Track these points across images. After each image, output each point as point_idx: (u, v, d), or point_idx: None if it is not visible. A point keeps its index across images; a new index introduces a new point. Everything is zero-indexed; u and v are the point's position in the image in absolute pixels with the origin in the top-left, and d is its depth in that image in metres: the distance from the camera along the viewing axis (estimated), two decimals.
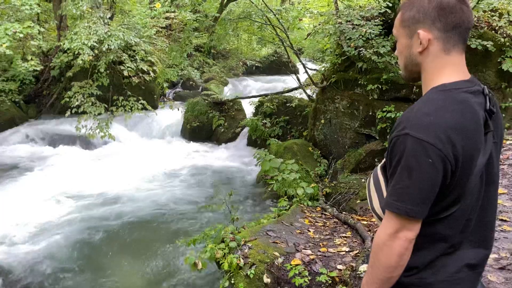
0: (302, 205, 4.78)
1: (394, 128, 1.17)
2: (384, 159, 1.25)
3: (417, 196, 1.11)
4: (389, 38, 6.09)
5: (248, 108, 9.55)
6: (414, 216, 1.12)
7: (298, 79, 8.61)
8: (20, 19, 9.17)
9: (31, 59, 8.92)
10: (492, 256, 2.78)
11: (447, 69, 1.19)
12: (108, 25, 9.05)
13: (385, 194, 1.24)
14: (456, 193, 1.14)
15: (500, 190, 3.92)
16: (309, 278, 2.95)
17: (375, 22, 6.14)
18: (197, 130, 9.55)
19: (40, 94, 10.88)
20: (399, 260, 1.15)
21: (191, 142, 9.55)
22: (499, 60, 5.91)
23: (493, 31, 5.99)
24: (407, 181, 1.11)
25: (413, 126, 1.11)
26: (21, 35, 8.16)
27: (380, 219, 1.26)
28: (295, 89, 9.19)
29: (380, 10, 6.08)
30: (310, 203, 5.00)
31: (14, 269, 4.32)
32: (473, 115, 1.13)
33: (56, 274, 4.31)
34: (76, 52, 8.33)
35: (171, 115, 10.28)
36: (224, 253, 3.37)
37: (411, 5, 1.23)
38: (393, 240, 1.14)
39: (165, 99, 12.31)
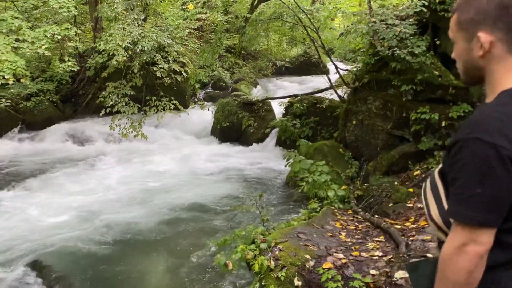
0: (333, 208, 4.71)
1: (459, 132, 1.09)
2: (442, 164, 1.18)
3: (491, 204, 1.02)
4: (424, 38, 5.93)
5: (278, 108, 9.52)
6: (489, 225, 1.03)
7: (329, 80, 8.51)
8: (58, 21, 9.51)
9: (68, 60, 9.22)
10: None
11: None
12: (142, 26, 9.23)
13: (444, 201, 1.16)
14: None
15: None
16: (342, 283, 2.90)
17: (410, 21, 5.99)
18: (227, 130, 9.60)
19: (76, 94, 11.26)
20: (468, 277, 1.04)
21: (221, 142, 9.62)
22: None
23: None
24: (478, 188, 1.02)
25: (484, 129, 1.03)
26: (59, 37, 8.46)
27: (439, 228, 1.19)
28: (326, 89, 9.08)
29: (416, 9, 5.92)
30: (341, 205, 4.92)
31: (54, 263, 4.45)
32: None
33: (88, 271, 4.42)
34: (110, 53, 8.53)
35: (201, 116, 10.38)
36: (255, 255, 3.36)
37: (468, 6, 1.15)
38: (460, 255, 1.05)
39: (196, 99, 12.44)
